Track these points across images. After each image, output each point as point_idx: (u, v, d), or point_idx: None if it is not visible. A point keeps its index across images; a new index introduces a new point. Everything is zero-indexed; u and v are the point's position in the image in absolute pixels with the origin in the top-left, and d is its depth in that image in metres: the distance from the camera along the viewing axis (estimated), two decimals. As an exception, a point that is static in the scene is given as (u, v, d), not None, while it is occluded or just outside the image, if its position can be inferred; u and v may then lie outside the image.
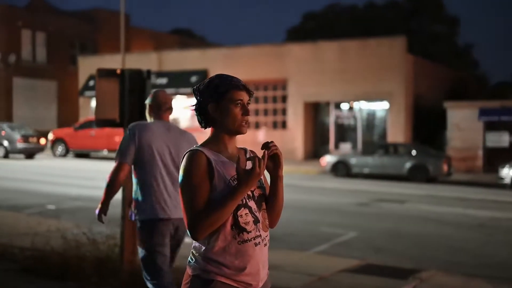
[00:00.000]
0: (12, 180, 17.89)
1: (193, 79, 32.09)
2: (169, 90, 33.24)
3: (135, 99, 6.38)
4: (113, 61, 34.20)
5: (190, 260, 2.76)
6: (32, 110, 40.59)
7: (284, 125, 31.01)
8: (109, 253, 6.98)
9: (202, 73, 32.16)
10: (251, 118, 31.51)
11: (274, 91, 31.41)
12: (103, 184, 5.00)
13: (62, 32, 42.52)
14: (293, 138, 30.25)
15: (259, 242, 2.73)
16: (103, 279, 6.44)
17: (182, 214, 5.36)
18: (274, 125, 31.34)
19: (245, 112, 2.76)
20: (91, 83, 34.77)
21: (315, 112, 31.21)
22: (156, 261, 4.87)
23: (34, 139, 27.84)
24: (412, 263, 8.70)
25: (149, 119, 5.09)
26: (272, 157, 2.75)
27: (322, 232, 11.02)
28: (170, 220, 4.84)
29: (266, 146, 2.73)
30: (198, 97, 2.80)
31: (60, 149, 28.94)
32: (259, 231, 2.74)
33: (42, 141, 28.16)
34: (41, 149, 28.40)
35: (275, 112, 31.38)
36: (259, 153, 2.76)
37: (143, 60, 34.45)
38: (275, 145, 2.75)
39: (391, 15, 49.60)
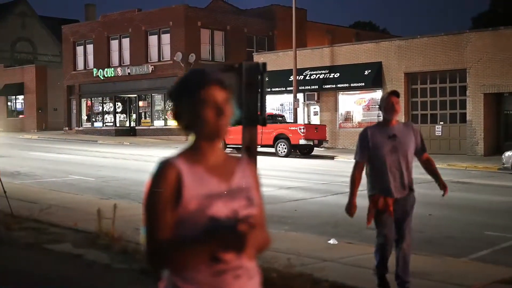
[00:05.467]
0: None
1: (366, 72, 31.33)
2: (341, 84, 32.77)
3: (252, 93, 6.08)
4: (286, 57, 34.45)
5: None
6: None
7: (463, 118, 29.25)
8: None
9: (376, 66, 31.30)
10: (428, 111, 30.09)
11: (451, 82, 29.77)
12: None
13: (238, 30, 43.64)
14: (472, 132, 28.46)
15: (239, 274, 2.23)
16: None
17: None
18: (452, 118, 29.71)
19: (219, 112, 2.26)
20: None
21: (497, 103, 29.10)
22: None
23: None
24: None
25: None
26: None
27: (486, 236, 10.03)
28: None
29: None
30: (172, 100, 2.35)
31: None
32: (241, 261, 2.23)
33: None
34: None
35: (452, 104, 29.73)
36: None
37: (316, 55, 34.30)
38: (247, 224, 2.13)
39: None
